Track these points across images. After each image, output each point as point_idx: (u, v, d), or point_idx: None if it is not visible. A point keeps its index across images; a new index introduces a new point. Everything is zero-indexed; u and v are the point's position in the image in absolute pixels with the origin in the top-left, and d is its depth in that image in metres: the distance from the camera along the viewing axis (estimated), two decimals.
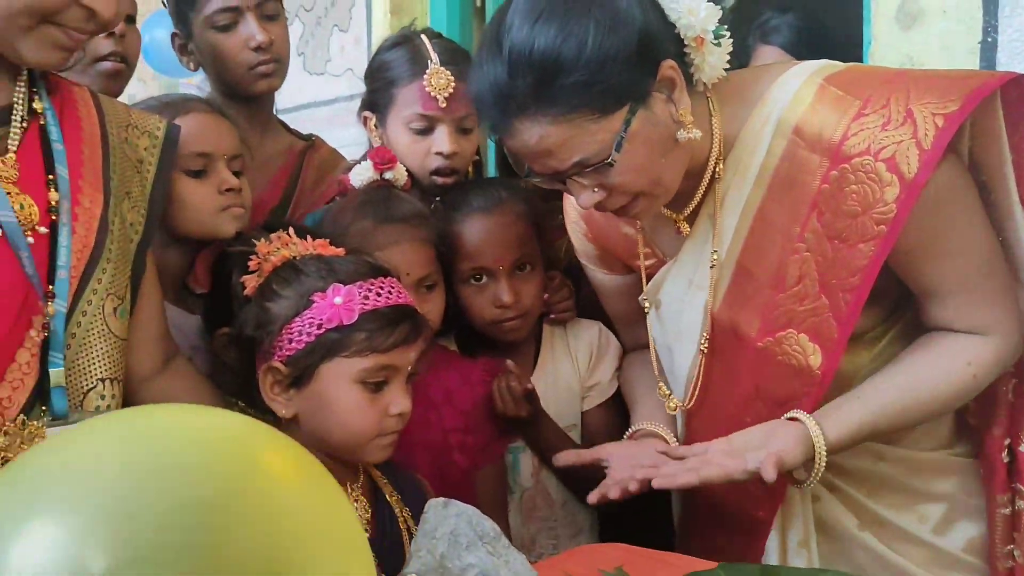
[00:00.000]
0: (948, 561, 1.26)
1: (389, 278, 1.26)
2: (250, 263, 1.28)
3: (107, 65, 1.67)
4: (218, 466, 0.70)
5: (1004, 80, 1.14)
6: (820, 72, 1.21)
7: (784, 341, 1.21)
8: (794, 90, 1.19)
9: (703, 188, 1.25)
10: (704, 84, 1.21)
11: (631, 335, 1.56)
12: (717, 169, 1.24)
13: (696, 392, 1.29)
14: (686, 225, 1.28)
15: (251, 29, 1.74)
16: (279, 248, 1.28)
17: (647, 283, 1.36)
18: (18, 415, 1.10)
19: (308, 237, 1.32)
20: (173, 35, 1.85)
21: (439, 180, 1.62)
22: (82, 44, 1.17)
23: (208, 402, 1.34)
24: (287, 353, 1.21)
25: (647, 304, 1.36)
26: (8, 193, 1.13)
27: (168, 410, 0.85)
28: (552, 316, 1.68)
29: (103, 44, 1.65)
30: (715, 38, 1.17)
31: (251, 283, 1.27)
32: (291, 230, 1.30)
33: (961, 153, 1.17)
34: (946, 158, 1.12)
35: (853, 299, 1.16)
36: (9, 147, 1.16)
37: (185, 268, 1.62)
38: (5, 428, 1.08)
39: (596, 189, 1.16)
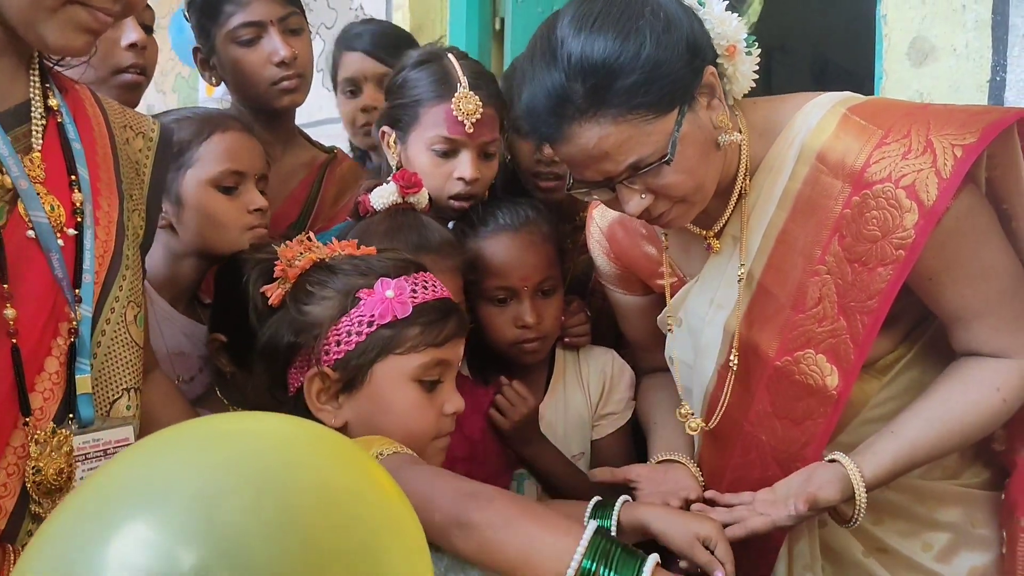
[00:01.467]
0: None
1: (427, 272, 1.23)
2: (275, 270, 1.22)
3: (128, 77, 1.68)
4: (298, 467, 0.73)
5: (1020, 115, 1.19)
6: (844, 102, 1.26)
7: (802, 361, 1.24)
8: (818, 118, 1.24)
9: (731, 206, 1.29)
10: (734, 99, 1.26)
11: (648, 358, 1.58)
12: (744, 186, 1.28)
13: (722, 411, 1.32)
14: (716, 242, 1.32)
15: (275, 44, 1.76)
16: (303, 252, 1.23)
17: (669, 305, 1.39)
18: (49, 424, 1.09)
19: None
20: (195, 50, 1.86)
21: (456, 204, 1.61)
22: (107, 27, 1.13)
23: (181, 414, 1.32)
24: (336, 356, 1.14)
25: (669, 321, 1.39)
26: (39, 194, 1.10)
27: (245, 417, 0.92)
28: (567, 340, 1.69)
29: (125, 56, 1.66)
30: (746, 47, 1.22)
31: (275, 292, 1.21)
32: (311, 234, 1.26)
33: (979, 182, 1.21)
34: (965, 187, 1.16)
35: (870, 322, 1.19)
36: (33, 146, 1.12)
37: (197, 280, 1.64)
38: (36, 436, 1.08)
39: (644, 195, 1.19)
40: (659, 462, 1.43)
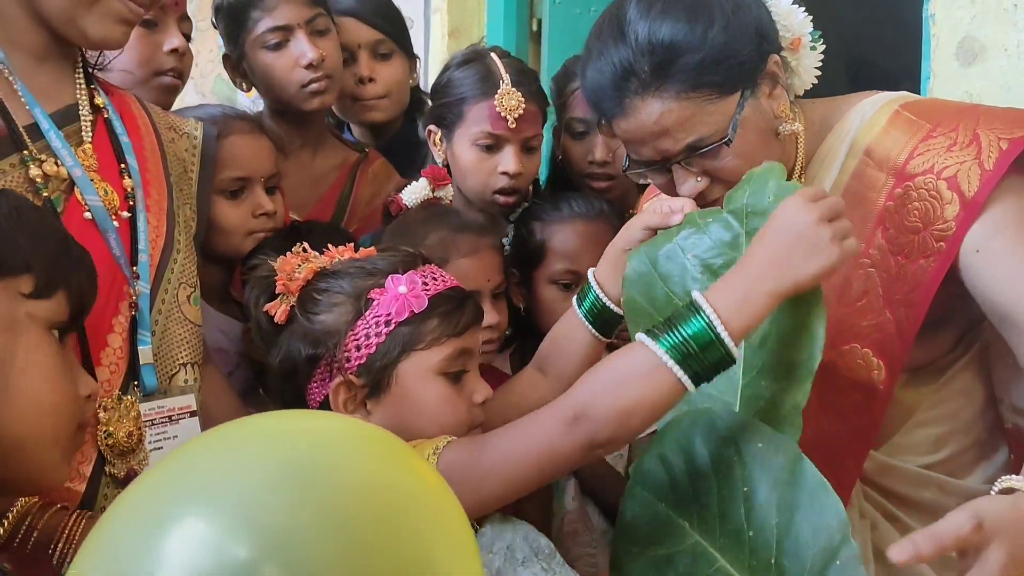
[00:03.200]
0: None
1: (431, 264, 1.22)
2: (277, 286, 1.19)
3: (166, 80, 1.73)
4: (345, 464, 0.75)
5: None
6: (898, 100, 1.27)
7: (848, 355, 1.23)
8: (871, 114, 1.26)
9: None
10: (795, 95, 1.27)
11: None
12: (801, 180, 1.29)
13: None
14: None
15: (302, 47, 1.77)
16: (301, 264, 1.19)
17: None
18: (115, 392, 1.19)
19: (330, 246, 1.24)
20: (225, 56, 1.89)
21: (501, 199, 1.66)
22: (139, 19, 1.23)
23: (231, 408, 1.38)
24: (358, 361, 1.12)
25: None
26: (92, 180, 1.20)
27: (298, 415, 0.95)
28: (616, 340, 1.70)
29: (166, 60, 1.72)
30: (811, 42, 1.24)
31: (280, 309, 1.17)
32: (305, 244, 1.23)
33: None
34: (1014, 181, 1.15)
35: (914, 315, 1.18)
36: (84, 139, 1.23)
37: (226, 277, 1.68)
38: (104, 404, 1.17)
39: (700, 178, 1.20)
40: None
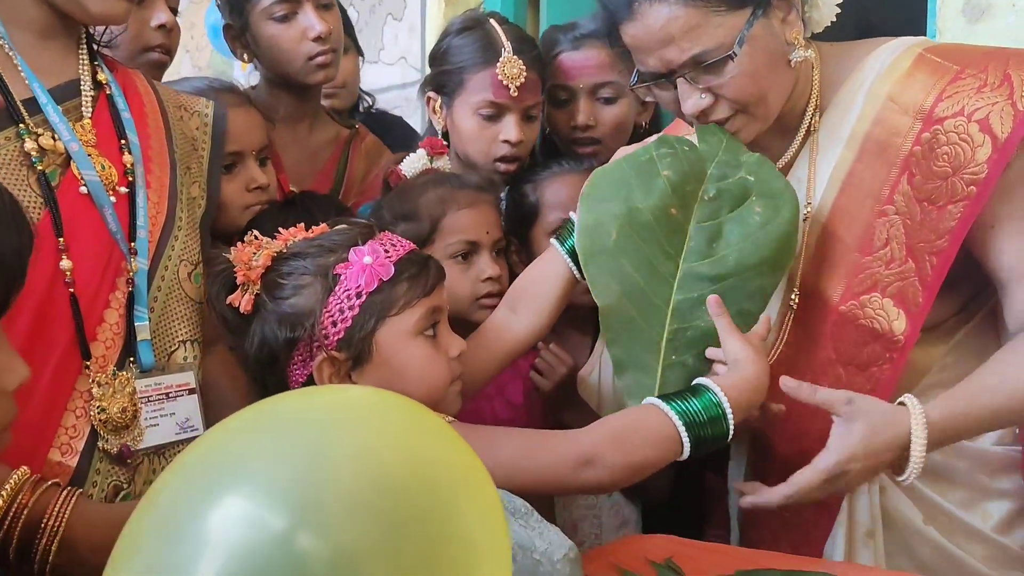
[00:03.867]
0: (1010, 559, 1.27)
1: (385, 232, 1.23)
2: (237, 277, 1.18)
3: (154, 56, 1.74)
4: (384, 440, 0.79)
5: None
6: (920, 44, 1.26)
7: (868, 305, 1.22)
8: (892, 58, 1.24)
9: (798, 142, 1.29)
10: (812, 32, 1.26)
11: None
12: (813, 124, 1.27)
13: (779, 348, 1.31)
14: None
15: (310, 19, 1.78)
16: (257, 252, 1.19)
17: None
18: (110, 368, 1.18)
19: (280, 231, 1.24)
20: (226, 26, 1.88)
21: (502, 167, 1.66)
22: None
23: (240, 386, 1.35)
24: (337, 336, 1.13)
25: None
26: (89, 155, 1.20)
27: (326, 391, 0.99)
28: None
29: (154, 35, 1.72)
30: None
31: (243, 299, 1.17)
32: (255, 232, 1.22)
33: None
34: None
35: (940, 262, 1.17)
36: (84, 114, 1.23)
37: None
38: (98, 379, 1.16)
39: (704, 94, 1.19)
40: None
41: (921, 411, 1.12)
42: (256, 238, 1.20)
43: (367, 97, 2.48)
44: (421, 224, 1.46)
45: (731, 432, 1.13)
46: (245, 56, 1.87)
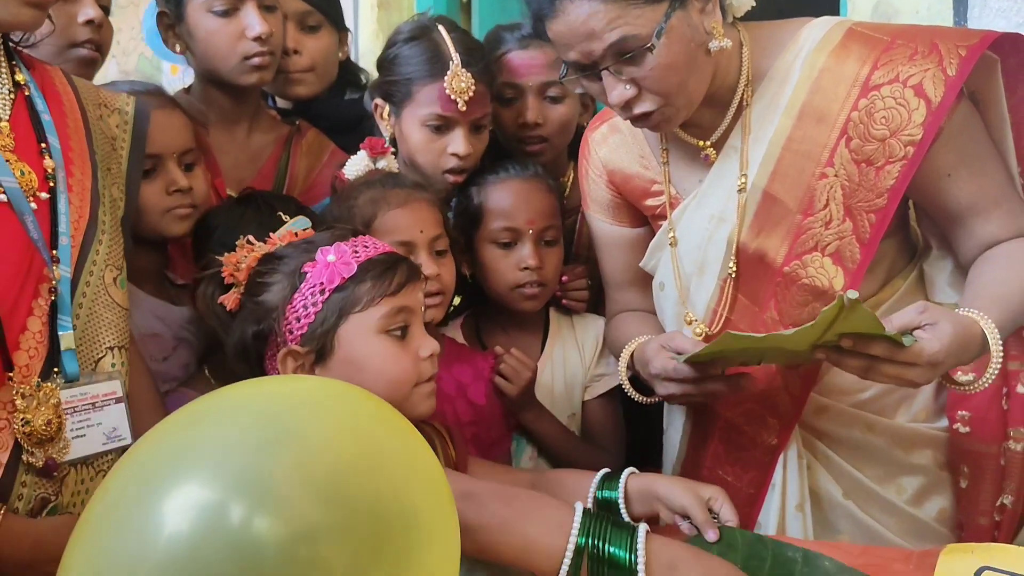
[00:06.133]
0: (922, 530, 1.34)
1: (367, 235, 1.27)
2: (224, 278, 1.25)
3: (83, 52, 1.68)
4: (333, 426, 0.82)
5: (1011, 35, 1.27)
6: (848, 20, 1.34)
7: (809, 264, 1.29)
8: (824, 31, 1.31)
9: (730, 116, 1.34)
10: (733, 16, 1.31)
11: (620, 298, 1.61)
12: (745, 96, 1.33)
13: (722, 319, 1.36)
14: (713, 151, 1.37)
15: (251, 18, 1.73)
16: (246, 255, 1.26)
17: (669, 220, 1.43)
18: (34, 379, 1.14)
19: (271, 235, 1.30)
20: (161, 14, 1.82)
21: (451, 178, 1.67)
22: (52, 2, 1.19)
23: (149, 395, 1.35)
24: (300, 331, 1.18)
25: (671, 237, 1.43)
26: (7, 160, 1.15)
27: (273, 380, 1.03)
28: (565, 302, 1.75)
29: (81, 31, 1.67)
30: None
31: (231, 299, 1.24)
32: (250, 237, 1.27)
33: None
34: (963, 96, 1.24)
35: (878, 219, 1.25)
36: (1, 116, 1.19)
37: (159, 260, 1.63)
38: (22, 391, 1.13)
39: (628, 86, 1.23)
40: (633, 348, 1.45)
41: (984, 314, 1.14)
42: (249, 243, 1.26)
43: (360, 73, 2.27)
44: (355, 227, 1.44)
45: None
46: (177, 47, 1.81)
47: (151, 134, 1.46)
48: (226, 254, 1.26)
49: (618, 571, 1.02)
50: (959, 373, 1.17)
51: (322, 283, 1.18)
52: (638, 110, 1.26)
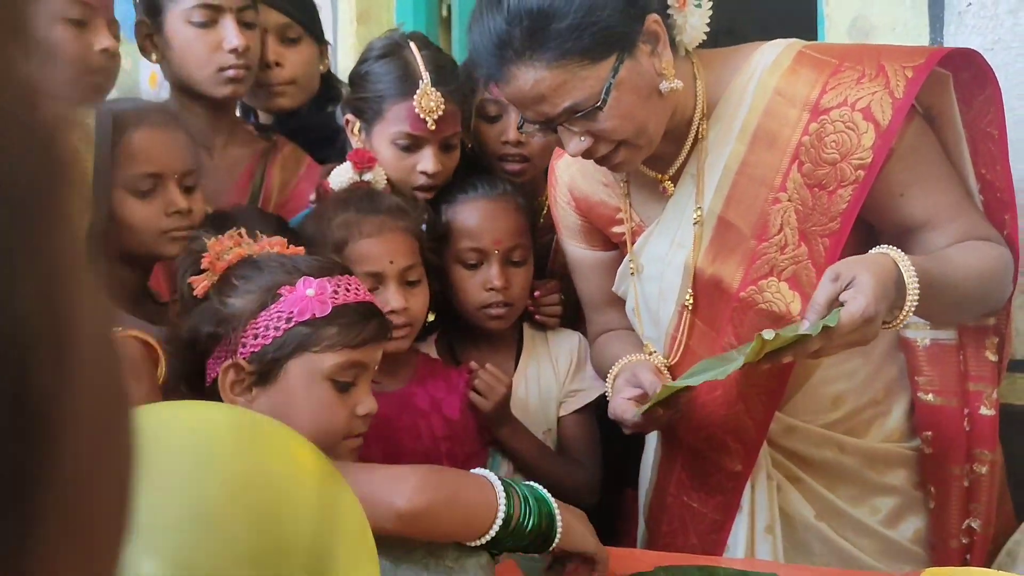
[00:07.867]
0: (897, 551, 1.34)
1: (353, 276, 1.26)
2: (203, 262, 1.23)
3: (98, 79, 1.65)
4: (216, 454, 0.78)
5: (961, 49, 1.29)
6: (798, 42, 1.34)
7: (766, 290, 1.29)
8: (775, 55, 1.32)
9: (687, 148, 1.35)
10: (687, 49, 1.32)
11: (600, 319, 1.62)
12: (701, 128, 1.34)
13: (681, 347, 1.37)
14: (670, 184, 1.38)
15: (229, 31, 1.73)
16: (232, 247, 1.23)
17: (631, 250, 1.44)
18: None
19: (259, 235, 1.29)
20: (139, 23, 1.83)
21: (420, 195, 1.67)
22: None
23: None
24: (252, 349, 1.16)
25: (632, 266, 1.44)
26: None
27: (164, 408, 0.96)
28: (537, 317, 1.75)
29: (96, 59, 1.63)
30: (697, 2, 1.28)
31: (201, 283, 1.22)
32: (243, 230, 1.26)
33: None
34: (915, 115, 1.25)
35: (832, 243, 1.25)
36: None
37: (139, 278, 1.60)
38: None
39: (584, 137, 1.24)
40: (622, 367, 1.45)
41: (893, 248, 1.16)
42: (241, 235, 1.25)
43: (341, 87, 2.20)
44: (326, 251, 1.43)
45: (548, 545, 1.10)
46: (153, 57, 1.82)
47: (152, 153, 1.45)
48: (214, 238, 1.24)
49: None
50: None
51: (292, 312, 1.16)
52: (597, 155, 1.26)
